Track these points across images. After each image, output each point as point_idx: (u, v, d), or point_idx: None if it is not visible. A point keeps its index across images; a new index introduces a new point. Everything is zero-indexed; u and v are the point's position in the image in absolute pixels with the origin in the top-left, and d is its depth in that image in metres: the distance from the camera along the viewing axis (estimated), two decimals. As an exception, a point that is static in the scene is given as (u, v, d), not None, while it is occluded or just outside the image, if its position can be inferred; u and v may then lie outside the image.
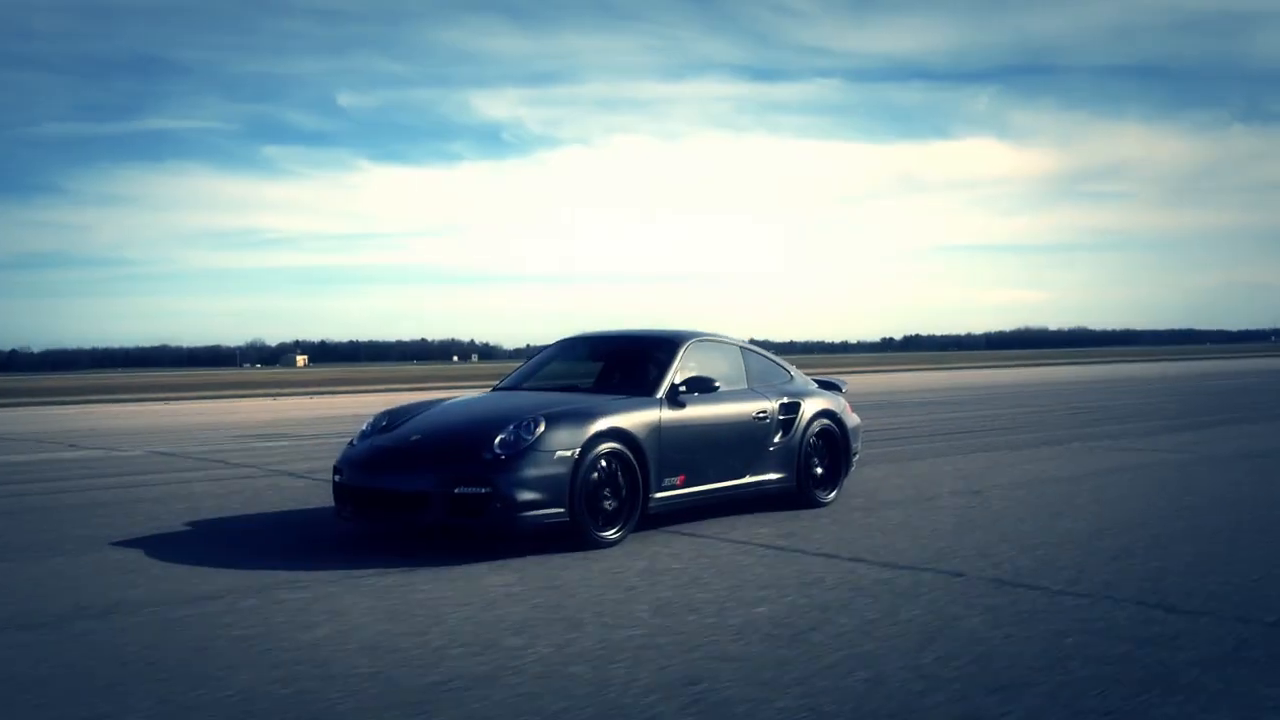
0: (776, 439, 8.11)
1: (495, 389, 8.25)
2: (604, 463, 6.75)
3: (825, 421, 8.54)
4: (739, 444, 7.80)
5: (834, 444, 8.61)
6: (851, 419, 8.91)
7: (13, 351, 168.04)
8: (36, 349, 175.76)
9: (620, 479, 6.86)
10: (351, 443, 7.29)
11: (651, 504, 7.08)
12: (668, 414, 7.25)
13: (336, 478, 6.98)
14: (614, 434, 6.82)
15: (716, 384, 7.54)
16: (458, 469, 6.48)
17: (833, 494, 8.52)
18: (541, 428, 6.58)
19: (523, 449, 6.49)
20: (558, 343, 8.66)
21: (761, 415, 7.99)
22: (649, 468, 7.01)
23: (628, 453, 6.88)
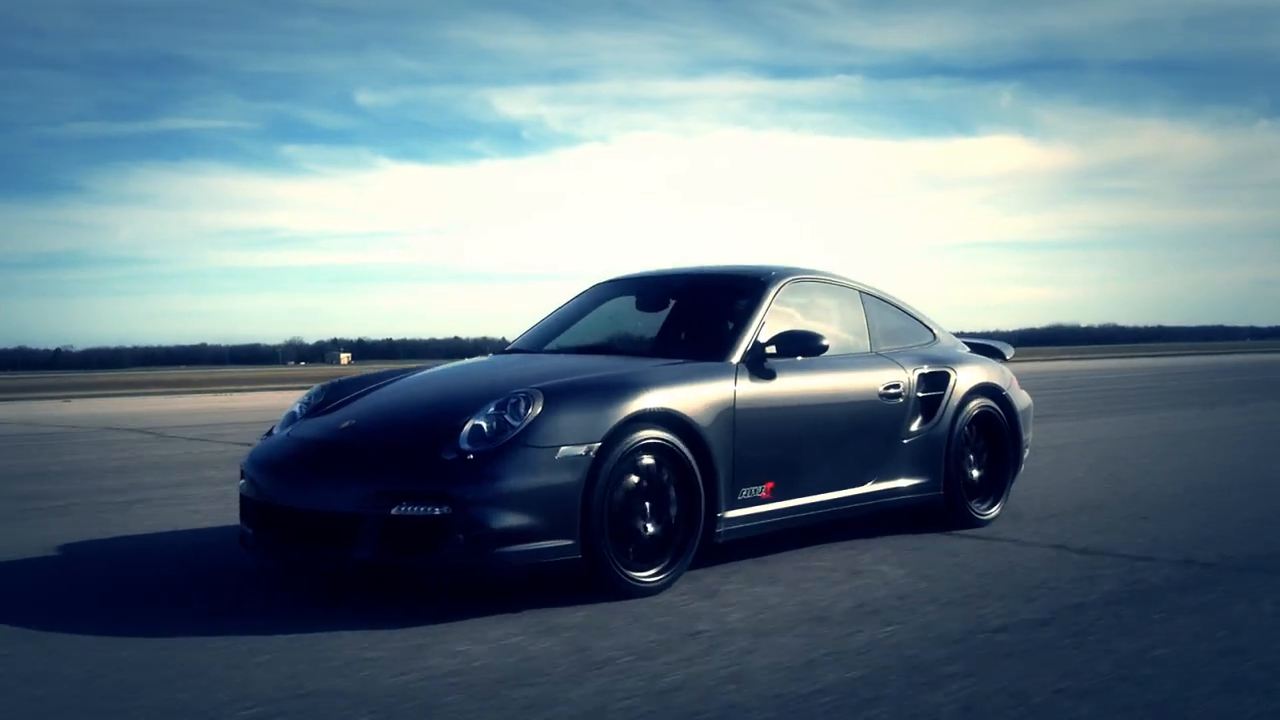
0: (914, 426, 5.48)
1: (501, 352, 5.77)
2: (641, 463, 4.26)
3: (985, 402, 5.86)
4: (857, 434, 5.21)
5: (998, 434, 5.92)
6: (1021, 398, 6.20)
7: (57, 351, 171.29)
8: (79, 348, 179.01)
9: (669, 489, 4.35)
10: (271, 431, 4.90)
11: (720, 527, 4.54)
12: (747, 388, 4.70)
13: (241, 484, 4.60)
14: (658, 418, 4.30)
15: (824, 343, 4.94)
16: (399, 476, 4.04)
17: (995, 508, 5.84)
18: (536, 408, 4.10)
19: (504, 443, 4.01)
20: (592, 288, 6.11)
21: (892, 391, 5.37)
22: (715, 471, 4.48)
23: (681, 447, 4.36)
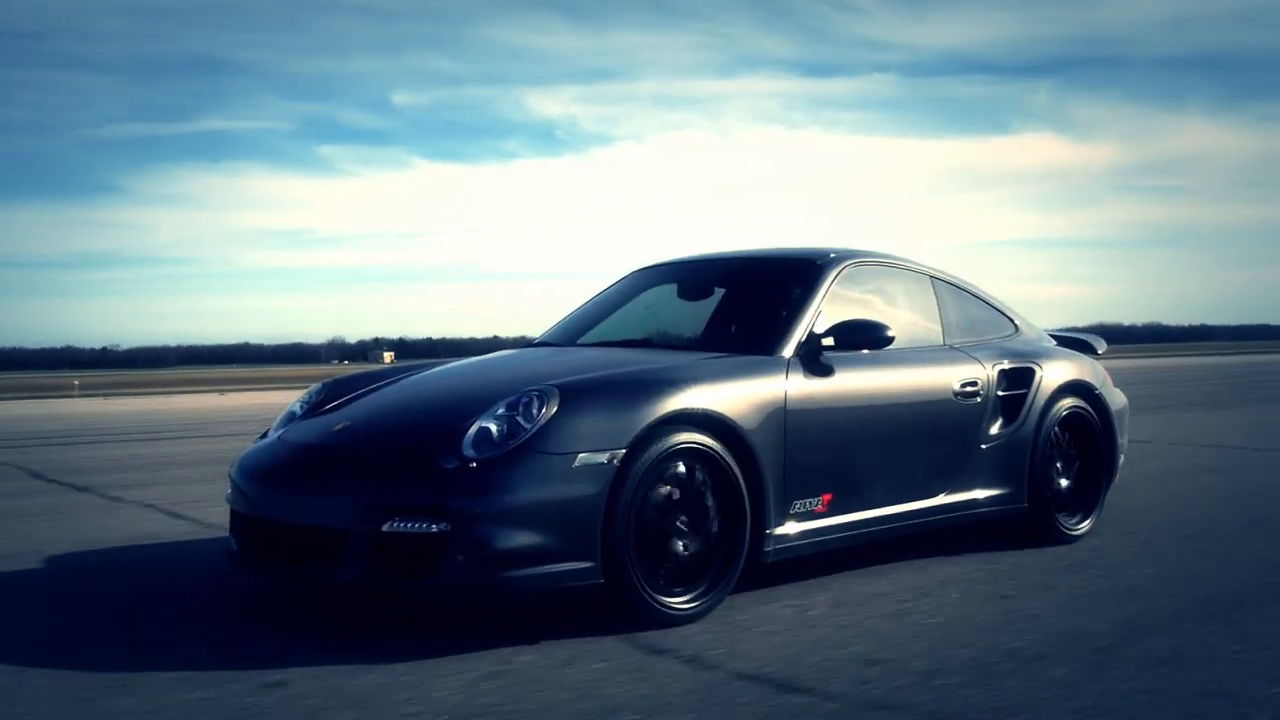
0: (994, 430, 4.82)
1: (530, 345, 5.20)
2: (676, 472, 3.68)
3: (1076, 401, 5.18)
4: (928, 438, 4.57)
5: (1090, 439, 5.23)
6: (1115, 397, 5.50)
7: (104, 349, 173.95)
8: (124, 347, 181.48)
9: (708, 501, 3.76)
10: (265, 434, 4.40)
11: (769, 545, 3.95)
12: (801, 385, 4.09)
13: (228, 494, 4.10)
14: (696, 420, 3.72)
15: (889, 334, 4.31)
16: (391, 487, 3.51)
17: (1087, 522, 5.15)
18: (551, 408, 3.53)
19: (512, 449, 3.45)
20: (629, 275, 5.50)
21: (968, 389, 4.73)
22: (763, 481, 3.88)
23: (722, 453, 3.76)
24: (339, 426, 3.92)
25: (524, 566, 3.38)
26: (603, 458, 3.49)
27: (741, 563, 3.84)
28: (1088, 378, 5.26)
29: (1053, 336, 5.66)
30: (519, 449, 3.45)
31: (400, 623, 3.68)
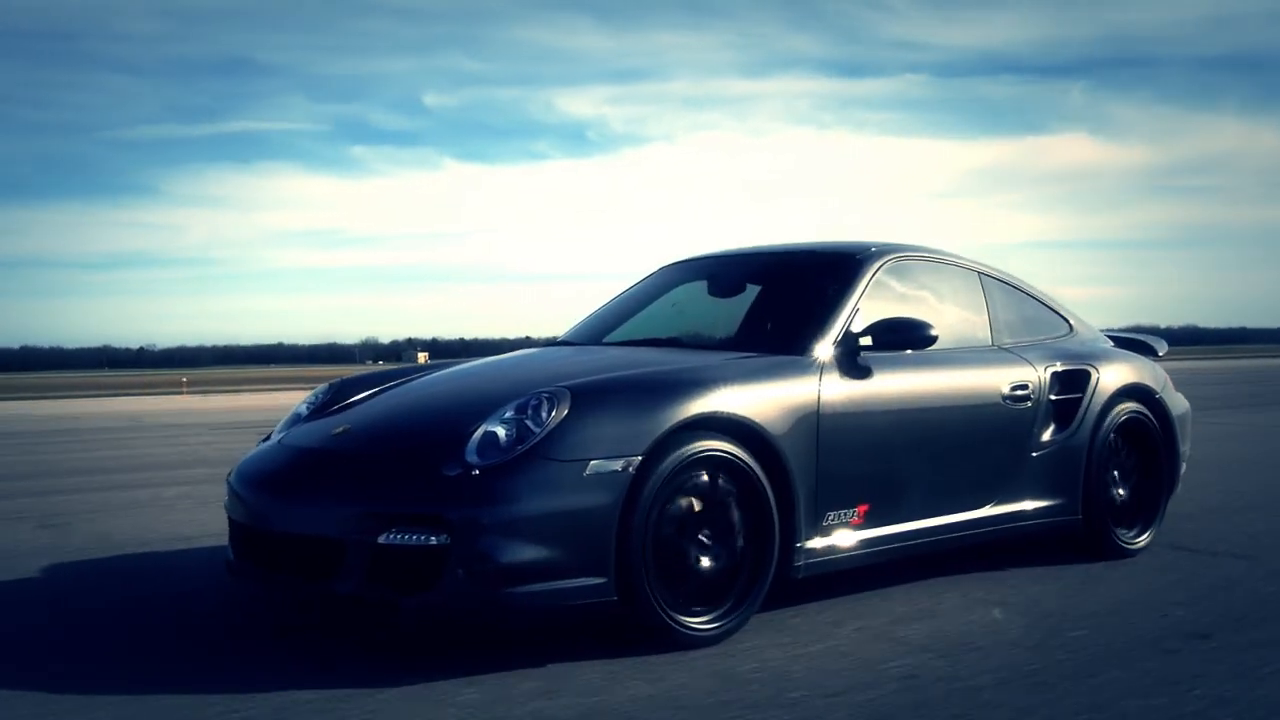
0: (1046, 436, 4.50)
1: (551, 344, 4.94)
2: (697, 481, 3.41)
3: (1134, 406, 4.83)
4: (975, 445, 4.26)
5: (1149, 446, 4.89)
6: (1177, 401, 5.15)
7: (140, 349, 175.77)
8: (160, 346, 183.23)
9: (732, 513, 3.49)
10: (268, 436, 4.18)
11: (799, 560, 3.66)
12: (836, 387, 3.80)
13: (226, 501, 3.89)
14: (719, 425, 3.45)
15: (932, 333, 4.01)
16: (390, 495, 3.26)
17: (1146, 535, 4.81)
18: (562, 411, 3.27)
19: (518, 455, 3.20)
20: (658, 270, 5.20)
21: (1019, 393, 4.41)
22: (793, 490, 3.60)
23: (748, 461, 3.49)
24: (338, 430, 3.69)
25: (530, 582, 3.13)
26: (617, 465, 3.22)
27: (769, 579, 3.56)
28: (1147, 381, 4.91)
29: (1110, 337, 5.31)
30: (526, 455, 3.19)
31: (413, 640, 3.45)
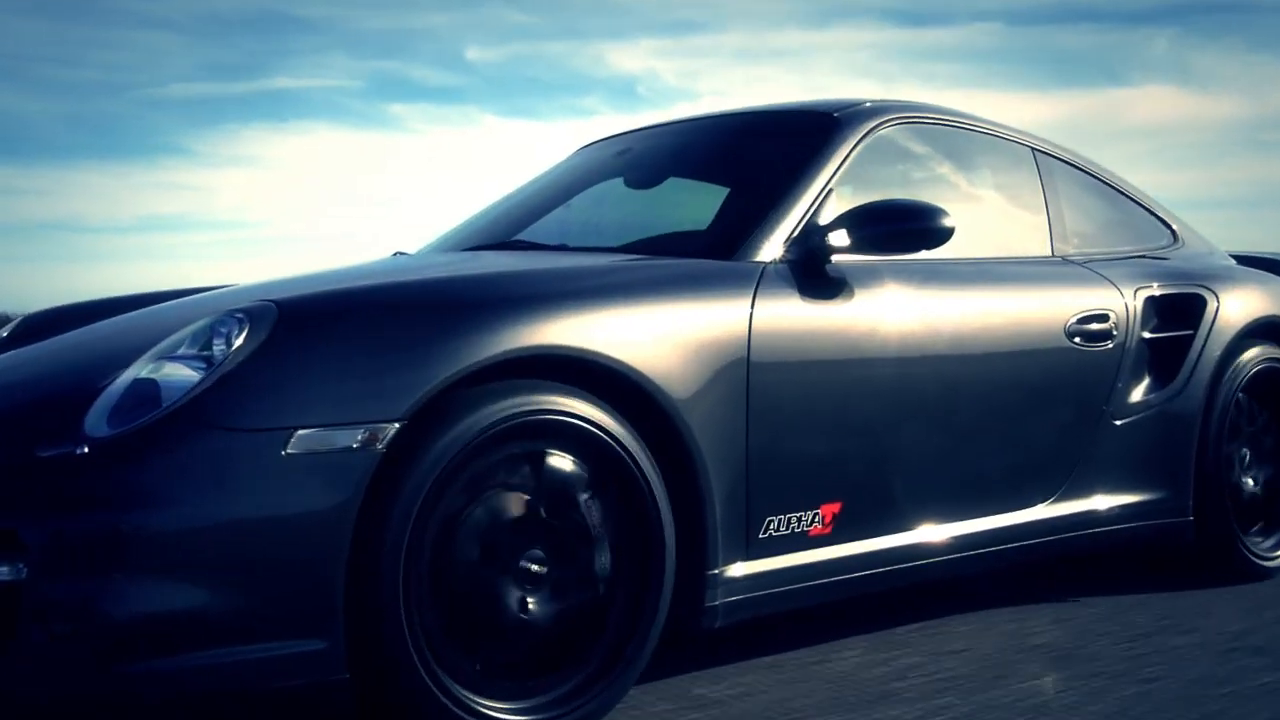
0: (1135, 395, 2.92)
1: (411, 253, 3.41)
2: (519, 466, 1.97)
3: (1272, 353, 3.23)
4: (1021, 410, 2.70)
5: (1295, 411, 3.29)
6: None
7: None
8: None
9: (590, 521, 2.03)
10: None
11: (715, 597, 2.18)
12: (784, 312, 2.30)
13: None
14: (567, 368, 2.01)
15: (942, 224, 2.44)
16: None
17: (1290, 543, 3.22)
18: (252, 342, 1.83)
19: (161, 419, 1.77)
20: (571, 156, 3.50)
21: (1094, 328, 2.83)
22: (704, 484, 2.12)
23: (619, 435, 2.02)
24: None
25: (180, 650, 1.72)
26: (350, 439, 1.79)
27: (655, 632, 2.09)
28: (1291, 314, 3.30)
29: (1232, 256, 3.71)
30: (171, 418, 1.77)
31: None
